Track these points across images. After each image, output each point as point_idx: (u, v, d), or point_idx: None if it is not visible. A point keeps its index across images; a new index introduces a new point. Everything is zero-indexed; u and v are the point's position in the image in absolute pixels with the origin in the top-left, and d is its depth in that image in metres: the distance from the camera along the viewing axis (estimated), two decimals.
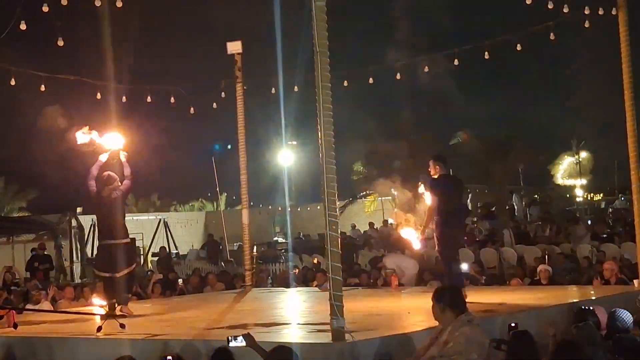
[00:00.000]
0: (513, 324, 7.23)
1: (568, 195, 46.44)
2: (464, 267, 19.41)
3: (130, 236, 25.75)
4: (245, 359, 7.49)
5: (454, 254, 12.11)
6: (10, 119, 29.24)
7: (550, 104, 36.12)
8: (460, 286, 11.08)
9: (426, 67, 16.05)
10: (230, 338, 7.46)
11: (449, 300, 7.02)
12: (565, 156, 49.97)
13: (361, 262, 22.07)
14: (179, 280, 18.45)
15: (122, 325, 10.30)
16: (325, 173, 8.58)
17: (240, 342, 7.41)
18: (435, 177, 11.94)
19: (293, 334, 9.78)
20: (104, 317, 10.67)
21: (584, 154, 49.88)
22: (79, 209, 29.19)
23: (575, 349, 5.99)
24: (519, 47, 15.55)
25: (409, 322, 9.95)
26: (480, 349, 6.87)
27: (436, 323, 7.42)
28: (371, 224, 32.56)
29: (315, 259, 21.85)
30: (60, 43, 12.62)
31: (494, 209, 33.33)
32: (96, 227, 11.81)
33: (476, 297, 12.06)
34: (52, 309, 15.28)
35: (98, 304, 12.98)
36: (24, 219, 31.75)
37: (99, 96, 15.39)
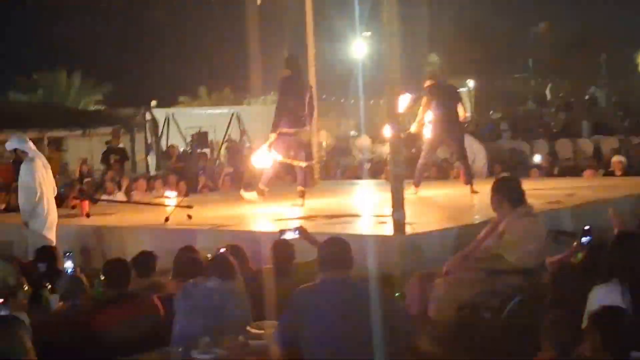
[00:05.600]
0: (587, 228, 7.04)
1: None
2: (537, 158, 19.22)
3: (203, 129, 26.14)
4: (303, 251, 7.51)
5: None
6: (84, 13, 29.45)
7: None
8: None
9: None
10: (283, 230, 7.48)
11: (507, 191, 6.91)
12: None
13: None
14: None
15: (189, 216, 10.51)
16: (388, 64, 8.49)
17: (293, 235, 7.43)
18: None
19: (354, 226, 9.80)
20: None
21: None
22: (153, 102, 29.44)
23: (635, 239, 5.82)
24: None
25: (472, 214, 9.89)
26: (537, 241, 6.79)
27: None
28: None
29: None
30: None
31: (572, 100, 32.69)
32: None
33: (545, 188, 11.98)
34: (126, 199, 15.60)
35: (169, 196, 13.23)
36: (99, 112, 32.13)
37: None
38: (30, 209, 10.42)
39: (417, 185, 12.61)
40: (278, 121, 11.65)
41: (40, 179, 10.47)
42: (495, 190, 6.97)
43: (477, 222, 8.78)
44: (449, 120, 12.58)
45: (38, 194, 10.38)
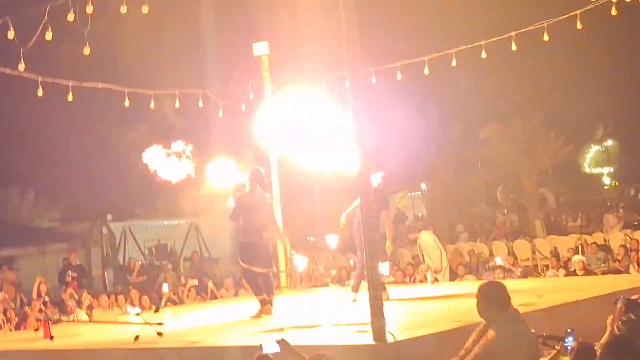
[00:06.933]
0: (569, 330, 7.00)
1: (596, 184, 46.00)
2: (498, 260, 19.32)
3: (162, 241, 25.93)
4: None
5: None
6: (37, 130, 29.34)
7: (576, 92, 35.80)
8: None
9: (453, 60, 15.83)
10: (263, 344, 7.25)
11: (493, 296, 6.87)
12: (592, 145, 49.46)
13: (394, 259, 21.86)
14: (209, 283, 18.25)
15: (160, 334, 10.25)
16: (361, 174, 8.51)
17: (274, 348, 7.20)
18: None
19: (333, 336, 9.66)
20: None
21: (609, 142, 49.28)
22: (109, 216, 29.16)
23: (628, 343, 5.83)
24: (546, 38, 15.33)
25: (449, 319, 9.82)
26: (527, 345, 6.73)
27: (478, 319, 7.31)
28: (402, 218, 32.39)
29: (352, 260, 21.69)
30: (87, 51, 12.54)
31: (523, 200, 33.11)
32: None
33: (514, 290, 11.93)
34: (88, 318, 15.29)
35: (134, 312, 12.95)
36: (54, 229, 31.79)
37: (127, 103, 15.32)
38: None
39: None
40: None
41: None
42: (481, 295, 6.92)
43: (457, 326, 8.72)
44: None
45: None
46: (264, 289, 11.91)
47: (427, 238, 18.29)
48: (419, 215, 34.49)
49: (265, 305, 11.71)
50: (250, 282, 12.19)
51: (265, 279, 12.01)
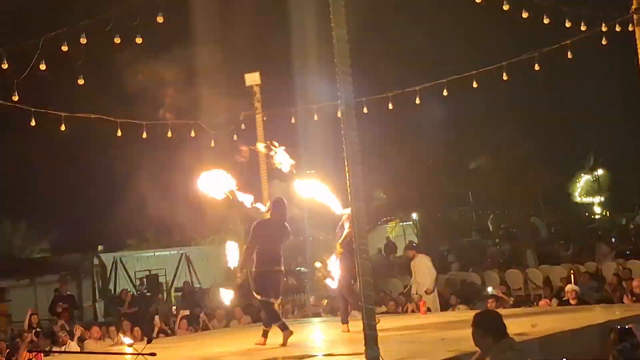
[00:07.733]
0: None
1: (587, 214, 46.11)
2: (490, 289, 19.28)
3: (153, 272, 25.87)
4: None
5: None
6: (29, 161, 29.30)
7: (566, 123, 36.01)
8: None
9: (445, 90, 15.92)
10: None
11: (489, 325, 6.83)
12: (582, 174, 49.62)
13: (386, 289, 21.83)
14: (201, 314, 18.18)
15: None
16: (353, 202, 8.49)
17: None
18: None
19: None
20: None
21: (600, 171, 49.45)
22: (100, 247, 29.10)
23: None
24: (537, 67, 15.45)
25: (444, 348, 9.79)
26: None
27: (473, 348, 7.27)
28: (392, 247, 32.31)
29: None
30: (81, 82, 12.57)
31: (514, 230, 33.13)
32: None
33: (507, 320, 11.89)
34: (79, 349, 15.19)
35: (127, 343, 12.90)
36: (45, 260, 31.68)
37: (119, 133, 15.34)
38: None
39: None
40: (245, 260, 11.75)
41: None
42: (477, 324, 6.89)
43: (451, 356, 8.69)
44: None
45: None
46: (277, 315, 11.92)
47: (424, 261, 18.13)
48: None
49: (287, 329, 11.66)
50: (264, 310, 12.07)
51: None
